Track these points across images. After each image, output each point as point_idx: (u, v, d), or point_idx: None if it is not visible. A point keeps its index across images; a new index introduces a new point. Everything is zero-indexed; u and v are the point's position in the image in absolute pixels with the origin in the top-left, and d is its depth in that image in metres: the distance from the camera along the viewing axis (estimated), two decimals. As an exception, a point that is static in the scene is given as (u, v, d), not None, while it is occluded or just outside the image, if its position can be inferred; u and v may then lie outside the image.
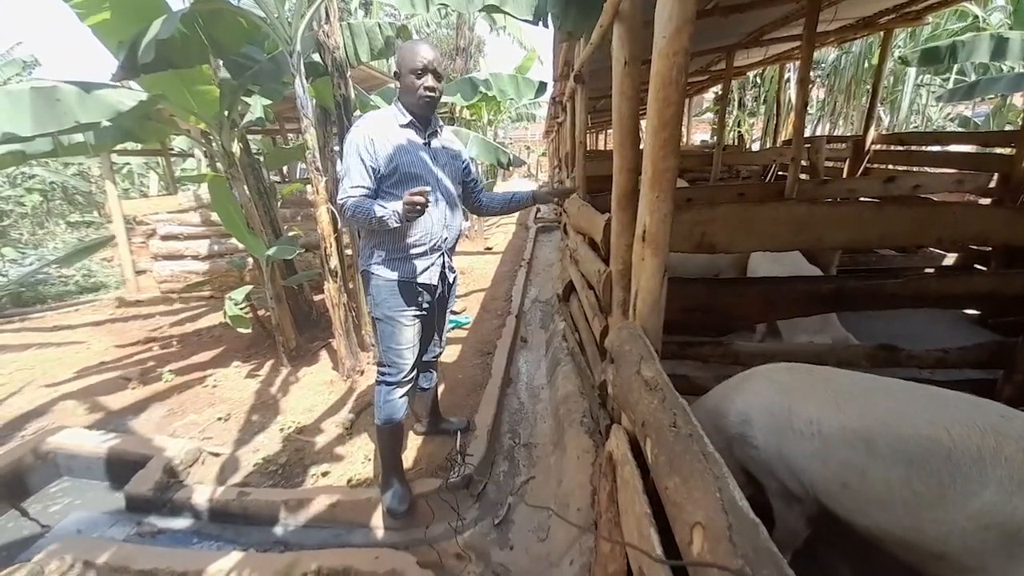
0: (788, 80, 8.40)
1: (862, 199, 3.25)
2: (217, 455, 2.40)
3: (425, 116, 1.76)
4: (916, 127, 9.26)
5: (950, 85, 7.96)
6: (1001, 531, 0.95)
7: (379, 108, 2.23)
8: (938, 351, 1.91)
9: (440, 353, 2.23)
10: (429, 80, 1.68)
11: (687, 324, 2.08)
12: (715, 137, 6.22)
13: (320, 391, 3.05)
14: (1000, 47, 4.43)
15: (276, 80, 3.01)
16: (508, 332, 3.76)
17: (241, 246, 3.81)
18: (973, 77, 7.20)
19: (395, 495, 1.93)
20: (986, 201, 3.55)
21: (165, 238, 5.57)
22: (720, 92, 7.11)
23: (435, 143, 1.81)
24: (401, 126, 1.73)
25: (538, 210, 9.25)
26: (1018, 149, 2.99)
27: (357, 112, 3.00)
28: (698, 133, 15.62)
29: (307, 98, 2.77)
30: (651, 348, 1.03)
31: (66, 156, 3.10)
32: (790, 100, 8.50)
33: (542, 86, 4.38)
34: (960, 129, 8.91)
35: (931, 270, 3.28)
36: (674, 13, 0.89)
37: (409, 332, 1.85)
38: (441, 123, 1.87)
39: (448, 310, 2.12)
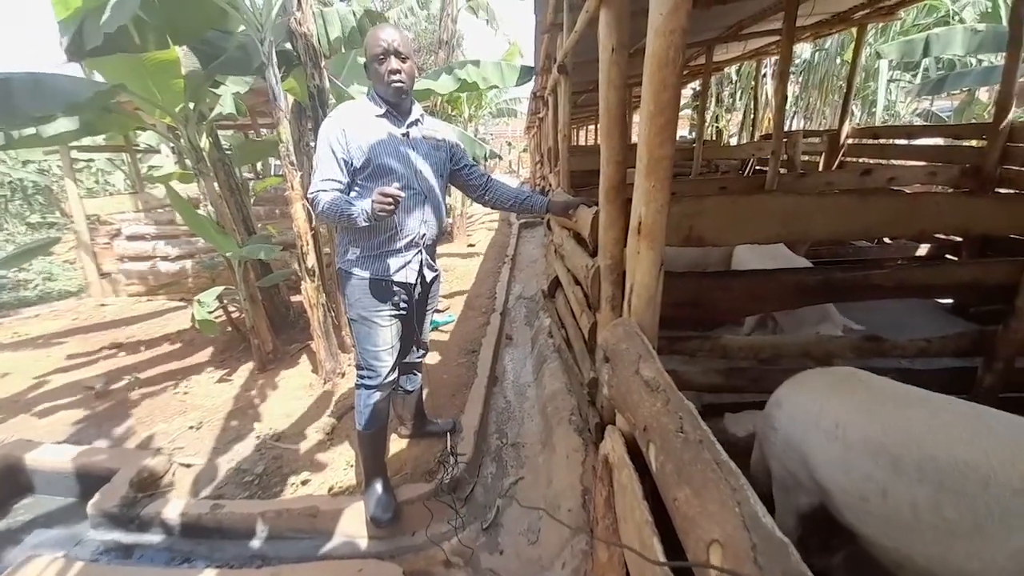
0: (764, 76, 8.52)
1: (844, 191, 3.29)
2: (189, 466, 2.28)
3: (400, 104, 1.68)
4: (886, 122, 9.52)
5: (918, 81, 8.18)
6: None
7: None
8: (921, 340, 1.92)
9: (424, 354, 2.16)
10: (392, 63, 1.58)
11: (674, 319, 2.06)
12: (693, 132, 6.25)
13: (299, 395, 2.93)
14: (973, 40, 4.54)
15: (246, 70, 2.86)
16: (493, 330, 3.70)
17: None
18: (942, 72, 7.41)
19: (379, 502, 1.85)
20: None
21: (131, 238, 5.32)
22: (699, 88, 7.15)
23: (414, 133, 1.72)
24: (377, 116, 1.65)
25: None
26: (989, 141, 3.05)
27: (332, 103, 2.88)
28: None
29: (279, 89, 2.65)
30: (649, 346, 0.98)
31: (19, 148, 2.90)
32: (766, 95, 8.63)
33: (526, 71, 4.27)
34: (927, 123, 9.19)
35: (903, 261, 3.35)
36: (670, -11, 0.84)
37: (386, 333, 1.77)
38: (423, 112, 1.78)
39: (431, 310, 2.04)
